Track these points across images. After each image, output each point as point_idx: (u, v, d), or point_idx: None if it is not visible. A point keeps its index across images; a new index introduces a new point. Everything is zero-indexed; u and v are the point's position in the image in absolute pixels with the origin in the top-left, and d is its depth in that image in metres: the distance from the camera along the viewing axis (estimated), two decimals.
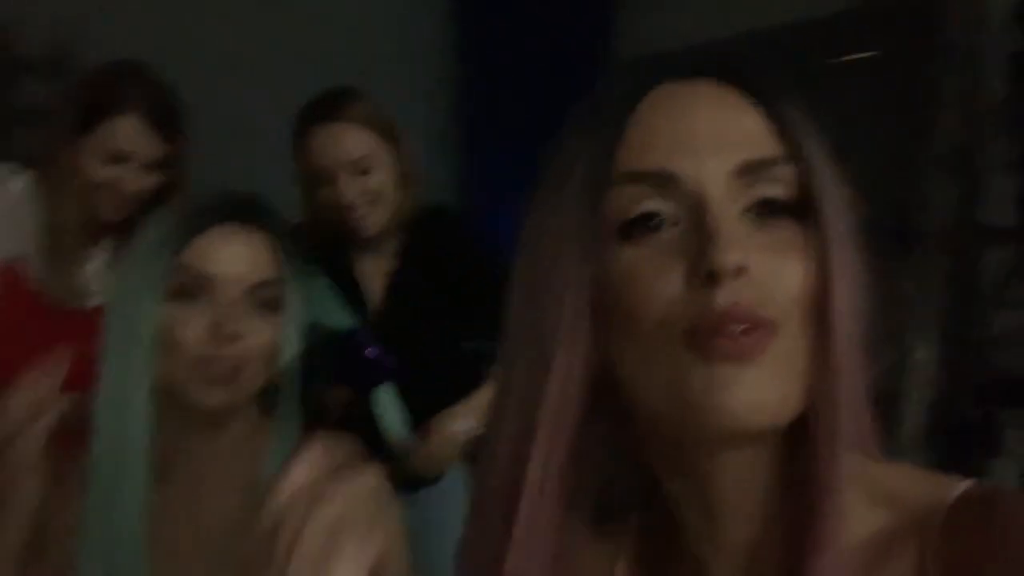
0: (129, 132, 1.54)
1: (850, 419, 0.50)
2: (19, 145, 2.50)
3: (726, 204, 0.50)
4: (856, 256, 0.52)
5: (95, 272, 1.61)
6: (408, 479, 1.48)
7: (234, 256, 0.98)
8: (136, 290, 0.95)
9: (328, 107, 1.61)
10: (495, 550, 0.54)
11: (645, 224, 0.51)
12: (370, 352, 1.34)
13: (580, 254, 0.52)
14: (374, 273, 1.68)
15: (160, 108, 1.56)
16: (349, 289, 1.57)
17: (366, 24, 3.28)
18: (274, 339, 0.99)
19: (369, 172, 1.59)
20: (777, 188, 0.51)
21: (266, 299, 0.99)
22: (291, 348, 1.01)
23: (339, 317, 1.22)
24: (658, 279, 0.50)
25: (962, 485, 0.51)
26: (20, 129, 2.94)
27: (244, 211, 1.00)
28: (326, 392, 1.09)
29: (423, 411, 1.53)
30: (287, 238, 1.03)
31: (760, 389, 0.48)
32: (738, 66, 0.55)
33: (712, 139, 0.51)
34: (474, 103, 3.41)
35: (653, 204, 0.51)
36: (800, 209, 0.52)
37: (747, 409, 0.48)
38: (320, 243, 1.52)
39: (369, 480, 0.99)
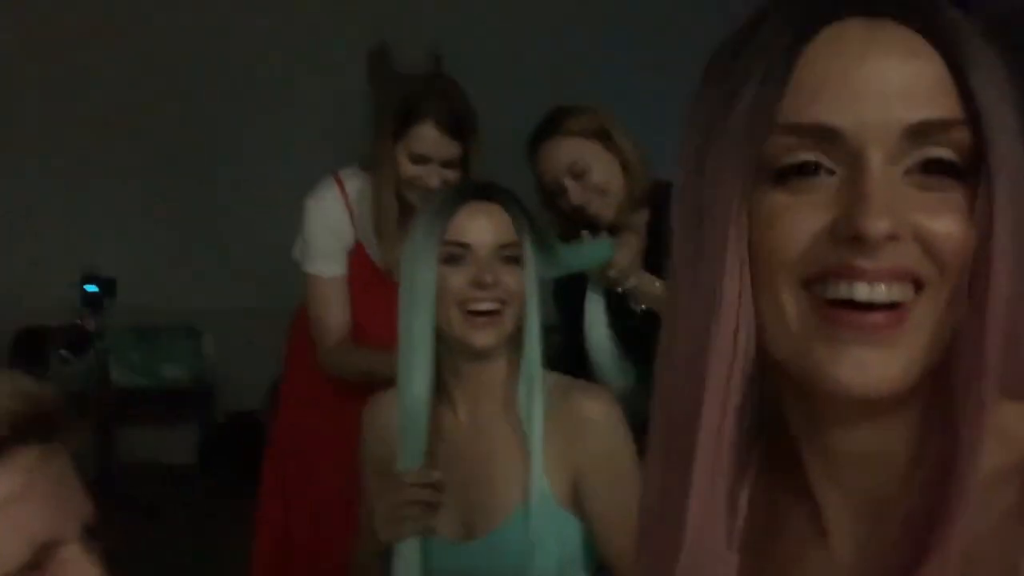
0: (428, 138, 1.82)
1: (997, 381, 0.49)
2: None
3: (887, 165, 0.48)
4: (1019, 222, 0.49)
5: None
6: None
7: (481, 226, 1.27)
8: (418, 260, 1.25)
9: (543, 128, 1.87)
10: (676, 495, 0.54)
11: (798, 171, 0.50)
12: None
13: (738, 197, 0.50)
14: (633, 250, 1.85)
15: (454, 116, 1.84)
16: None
17: None
18: (520, 288, 1.27)
19: (587, 172, 1.79)
20: (946, 151, 0.49)
21: (510, 256, 1.27)
22: (533, 296, 1.27)
23: (593, 252, 1.64)
24: (800, 224, 0.49)
25: None
26: None
27: (484, 191, 1.30)
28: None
29: None
30: (521, 209, 1.31)
31: (884, 368, 0.48)
32: (925, 7, 0.50)
33: (883, 95, 0.48)
34: None
35: (812, 155, 0.49)
36: (971, 171, 0.49)
37: (866, 386, 0.49)
38: (579, 236, 1.80)
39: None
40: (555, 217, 1.87)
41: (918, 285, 0.49)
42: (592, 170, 1.81)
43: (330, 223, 1.91)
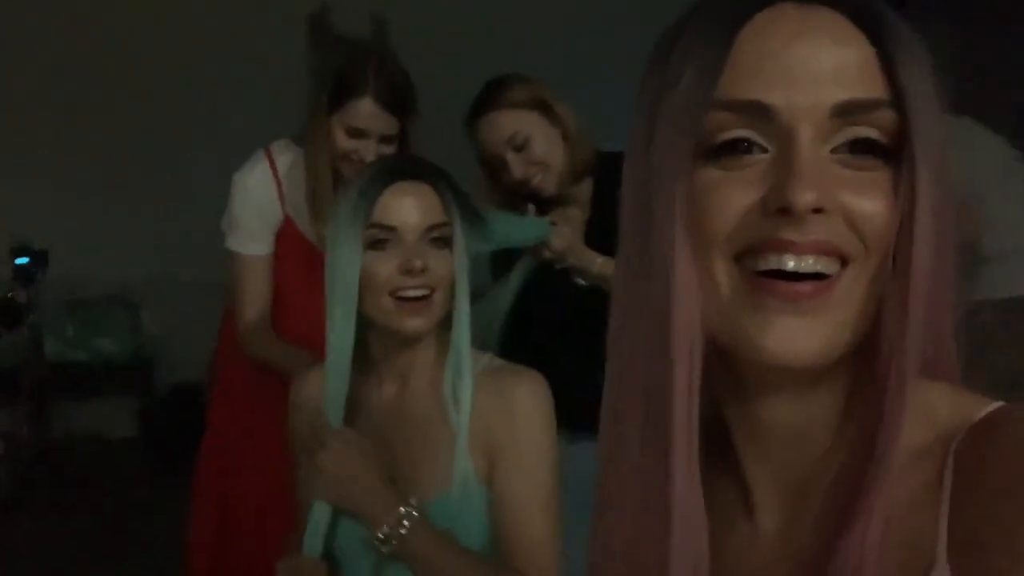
0: (365, 112, 1.77)
1: (919, 355, 0.51)
2: None
3: (816, 142, 0.50)
4: (946, 201, 0.51)
5: None
6: None
7: (409, 207, 1.21)
8: (341, 243, 1.20)
9: (481, 100, 1.81)
10: (655, 476, 0.54)
11: (732, 149, 0.51)
12: None
13: (683, 173, 0.52)
14: (575, 222, 1.84)
15: (393, 91, 1.79)
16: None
17: None
18: (450, 271, 1.22)
19: (528, 145, 1.77)
20: (872, 131, 0.51)
21: (438, 238, 1.23)
22: (463, 277, 1.23)
23: (529, 229, 1.61)
24: (731, 199, 0.51)
25: (992, 405, 0.52)
26: None
27: (411, 170, 1.24)
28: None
29: None
30: (450, 187, 1.26)
31: (810, 337, 0.50)
32: None
33: (814, 74, 0.50)
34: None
35: (744, 132, 0.51)
36: (894, 151, 0.51)
37: (792, 354, 0.50)
38: (522, 208, 1.79)
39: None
40: (497, 190, 1.85)
41: (844, 260, 0.51)
42: (533, 142, 1.78)
43: (257, 200, 1.87)
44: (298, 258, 1.88)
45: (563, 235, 1.74)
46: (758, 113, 0.51)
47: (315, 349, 1.62)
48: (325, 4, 4.07)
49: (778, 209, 0.49)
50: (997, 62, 2.93)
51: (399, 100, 1.81)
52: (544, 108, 1.79)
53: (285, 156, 1.88)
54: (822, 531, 0.53)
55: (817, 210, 0.49)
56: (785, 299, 0.50)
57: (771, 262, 0.51)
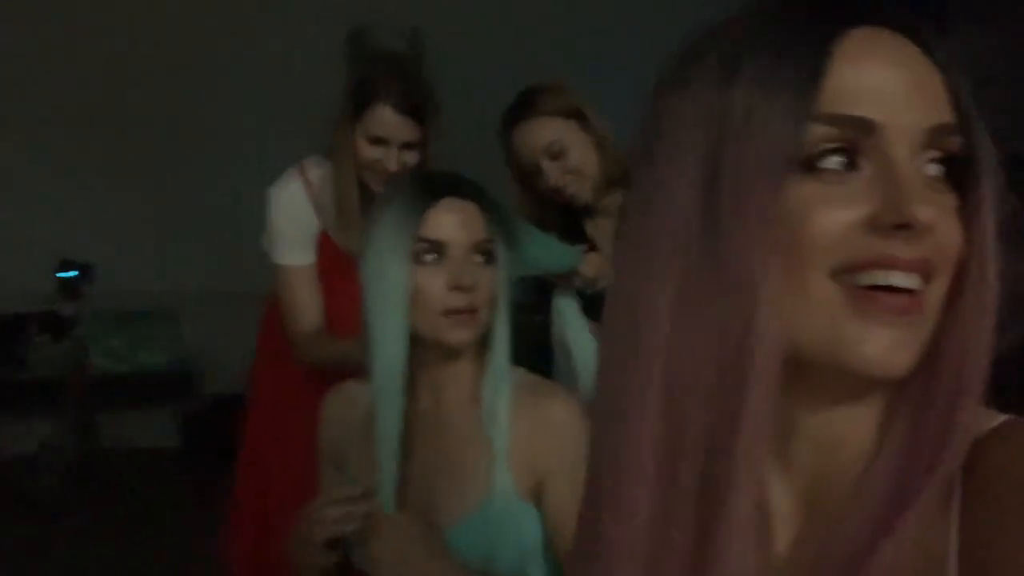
0: (385, 120, 1.78)
1: (983, 376, 0.52)
2: None
3: (913, 161, 0.51)
4: (1000, 226, 0.53)
5: None
6: None
7: (457, 223, 1.22)
8: (387, 256, 1.20)
9: (517, 108, 1.83)
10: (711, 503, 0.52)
11: (830, 161, 0.52)
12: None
13: (777, 190, 0.51)
14: (608, 234, 1.85)
15: (412, 97, 1.79)
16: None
17: None
18: (493, 287, 1.24)
19: (564, 153, 1.79)
20: (944, 154, 0.53)
21: (484, 254, 1.24)
22: (505, 294, 1.25)
23: (561, 257, 1.59)
24: (835, 215, 0.51)
25: (1000, 418, 0.53)
26: None
27: (457, 186, 1.25)
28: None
29: None
30: (493, 204, 1.27)
31: (908, 348, 0.51)
32: (917, 24, 0.54)
33: (913, 95, 0.52)
34: None
35: (844, 146, 0.52)
36: (957, 175, 0.53)
37: (892, 364, 0.51)
38: (554, 217, 1.81)
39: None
40: (529, 200, 1.86)
41: (928, 278, 0.52)
42: (569, 151, 1.79)
43: (293, 212, 1.88)
44: (332, 269, 1.89)
45: (593, 262, 1.74)
46: (861, 129, 0.51)
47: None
48: (365, 21, 4.11)
49: (895, 225, 0.50)
50: None
51: (419, 107, 1.80)
52: (579, 116, 1.80)
53: (318, 170, 1.90)
54: (843, 550, 0.52)
55: (931, 227, 0.50)
56: (891, 311, 0.50)
57: (877, 278, 0.51)
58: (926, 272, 0.51)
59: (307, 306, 1.90)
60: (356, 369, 1.36)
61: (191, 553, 3.20)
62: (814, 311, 0.51)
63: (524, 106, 1.81)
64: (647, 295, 0.54)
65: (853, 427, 0.56)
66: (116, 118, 4.47)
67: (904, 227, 0.50)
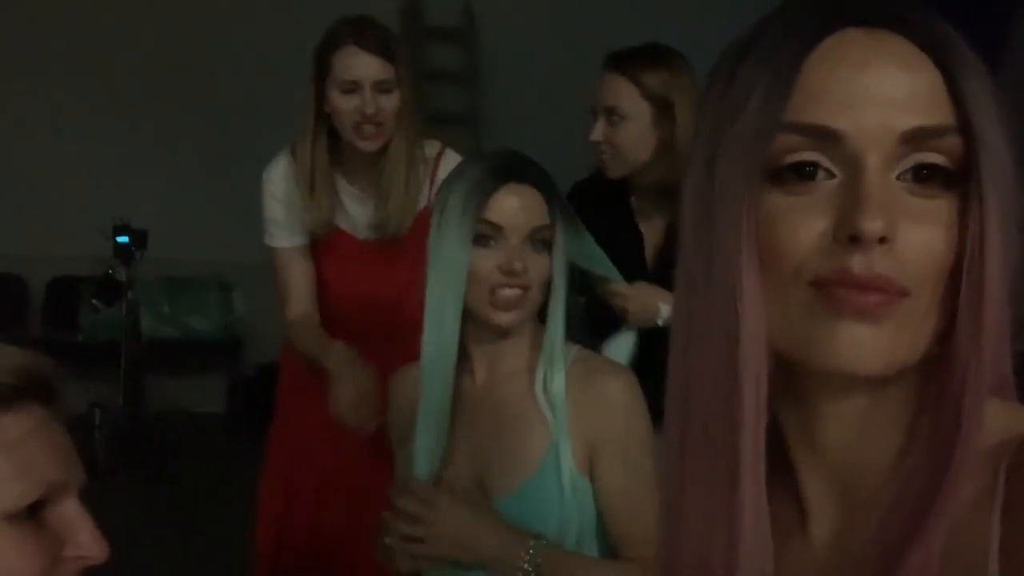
0: (352, 61, 1.74)
1: (994, 371, 0.52)
2: (426, 104, 2.77)
3: (883, 169, 0.50)
4: (1014, 231, 0.52)
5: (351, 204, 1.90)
6: None
7: (517, 208, 1.25)
8: (450, 236, 1.24)
9: (622, 56, 1.75)
10: (722, 495, 0.55)
11: (798, 173, 0.51)
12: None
13: (748, 197, 0.52)
14: (657, 225, 1.82)
15: (374, 35, 1.76)
16: (631, 237, 1.83)
17: None
18: (546, 273, 1.27)
19: (620, 125, 1.74)
20: (939, 157, 0.51)
21: (540, 240, 1.26)
22: (561, 279, 1.28)
23: (601, 261, 1.61)
24: (801, 227, 0.51)
25: None
26: (428, 88, 3.51)
27: (519, 171, 1.28)
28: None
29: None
30: (555, 191, 1.30)
31: (876, 343, 0.50)
32: (921, 20, 0.52)
33: (883, 100, 0.50)
34: None
35: (811, 156, 0.51)
36: (959, 179, 0.51)
37: (862, 359, 0.51)
38: (603, 197, 1.80)
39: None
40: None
41: (902, 293, 0.51)
42: (625, 127, 1.73)
43: (280, 193, 1.88)
44: (323, 244, 1.89)
45: (632, 294, 1.70)
46: (826, 138, 0.51)
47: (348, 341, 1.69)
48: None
49: (847, 236, 0.49)
50: None
51: (384, 44, 1.76)
52: (663, 107, 1.72)
53: None
54: (882, 542, 0.52)
55: (884, 240, 0.49)
56: (859, 312, 0.50)
57: (838, 293, 0.51)
58: (885, 291, 0.50)
59: (296, 290, 1.90)
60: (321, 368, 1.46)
61: (226, 512, 3.28)
62: (792, 315, 0.52)
63: (624, 60, 1.75)
64: (678, 289, 0.58)
65: (872, 426, 0.56)
66: (178, 90, 4.55)
67: (855, 240, 0.49)
